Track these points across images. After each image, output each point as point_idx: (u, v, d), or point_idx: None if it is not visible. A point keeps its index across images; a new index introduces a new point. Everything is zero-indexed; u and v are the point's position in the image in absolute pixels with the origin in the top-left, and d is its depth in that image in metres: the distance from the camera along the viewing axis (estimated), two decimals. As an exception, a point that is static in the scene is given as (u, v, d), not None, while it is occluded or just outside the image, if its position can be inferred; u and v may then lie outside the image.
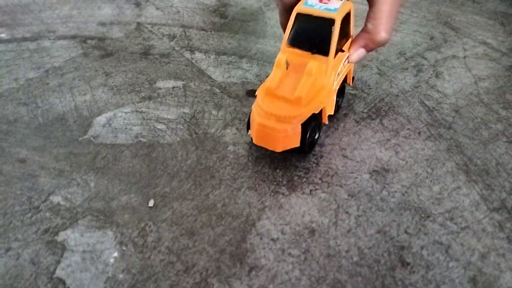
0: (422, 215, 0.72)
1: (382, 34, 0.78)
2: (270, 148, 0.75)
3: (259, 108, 0.74)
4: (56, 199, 0.75)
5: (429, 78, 1.03)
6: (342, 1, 0.78)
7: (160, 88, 1.00)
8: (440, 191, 0.76)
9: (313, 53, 0.77)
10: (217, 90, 0.99)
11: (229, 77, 1.03)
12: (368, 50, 0.82)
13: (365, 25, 0.79)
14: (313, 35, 0.77)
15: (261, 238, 0.68)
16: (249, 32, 1.21)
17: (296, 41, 0.78)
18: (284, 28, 0.85)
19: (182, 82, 1.02)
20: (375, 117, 0.91)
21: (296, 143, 0.75)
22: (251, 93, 0.98)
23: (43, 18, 1.29)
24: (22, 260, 0.66)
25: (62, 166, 0.81)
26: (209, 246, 0.67)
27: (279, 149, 0.75)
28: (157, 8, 1.34)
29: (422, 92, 0.99)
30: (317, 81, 0.75)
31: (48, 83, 1.02)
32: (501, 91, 1.00)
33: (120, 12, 1.32)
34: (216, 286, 0.62)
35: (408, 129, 0.88)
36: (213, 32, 1.21)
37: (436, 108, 0.94)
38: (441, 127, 0.89)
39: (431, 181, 0.77)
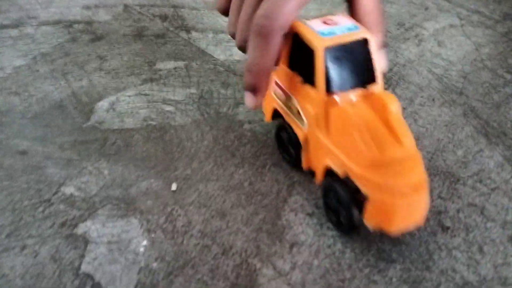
0: (452, 179, 0.71)
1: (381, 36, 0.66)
2: (416, 224, 0.59)
3: (383, 189, 0.55)
4: (68, 190, 0.70)
5: (432, 47, 1.03)
6: (341, 15, 0.64)
7: (161, 70, 0.95)
8: (465, 155, 0.75)
9: (365, 86, 0.61)
10: (221, 69, 0.95)
11: (231, 55, 0.99)
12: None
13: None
14: (351, 67, 0.60)
15: (296, 214, 0.65)
16: (244, 10, 1.17)
17: (340, 84, 0.60)
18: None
19: (183, 62, 0.97)
20: (387, 87, 0.90)
21: None
22: (258, 70, 0.94)
23: (21, 4, 1.20)
24: (41, 258, 0.60)
25: (69, 155, 0.76)
26: (243, 226, 0.64)
27: (424, 218, 0.59)
28: (142, -10, 1.28)
29: (428, 60, 0.98)
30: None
31: (38, 70, 0.95)
32: (503, 56, 1.00)
33: (103, -6, 1.25)
34: (259, 266, 0.59)
35: (421, 96, 0.88)
36: (206, 11, 1.17)
37: (445, 76, 0.94)
38: (453, 93, 0.89)
39: (454, 146, 0.77)
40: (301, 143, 0.66)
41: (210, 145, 0.77)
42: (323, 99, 0.59)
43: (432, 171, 0.72)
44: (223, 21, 1.12)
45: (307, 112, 0.63)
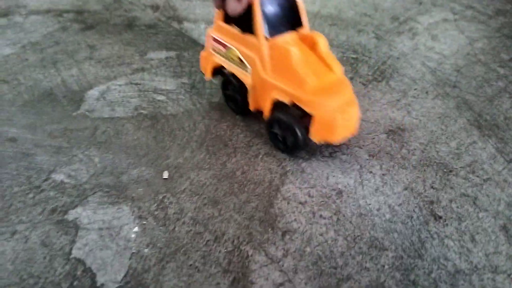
0: (445, 170, 0.71)
1: None
2: (351, 135, 0.71)
3: (326, 107, 0.66)
4: (58, 177, 0.68)
5: (426, 40, 1.03)
6: None
7: (152, 59, 0.94)
8: (457, 147, 0.75)
9: (295, 29, 0.71)
10: (214, 59, 0.94)
11: (224, 46, 0.98)
12: None
13: None
14: (283, 14, 0.70)
15: (288, 203, 0.65)
16: None
17: (276, 29, 0.69)
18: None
19: (175, 52, 0.96)
20: (381, 79, 0.90)
21: None
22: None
23: (10, -8, 1.19)
24: (31, 243, 0.59)
25: (59, 142, 0.74)
26: (236, 213, 0.63)
27: (357, 128, 0.72)
28: (134, -20, 1.27)
29: (421, 54, 0.98)
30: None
31: (27, 59, 0.94)
32: (496, 51, 1.01)
33: (95, -16, 1.23)
34: (251, 253, 0.58)
35: (415, 89, 0.88)
36: (198, 1, 1.16)
37: (438, 69, 0.94)
38: (446, 86, 0.89)
39: (447, 137, 0.77)
40: (248, 87, 0.74)
41: (202, 134, 0.76)
42: (264, 43, 0.68)
43: (425, 162, 0.72)
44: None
45: (250, 58, 0.72)
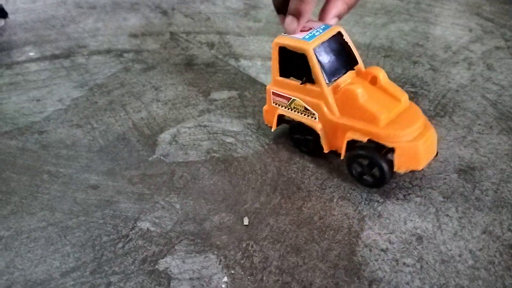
0: (521, 212, 0.71)
1: None
2: (434, 155, 0.74)
3: (406, 138, 0.69)
4: (144, 225, 0.72)
5: (482, 71, 1.03)
6: (310, 22, 0.76)
7: (215, 100, 0.97)
8: (530, 186, 0.75)
9: (353, 68, 0.76)
10: (275, 98, 0.97)
11: (283, 83, 1.01)
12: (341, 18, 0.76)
13: None
14: (338, 57, 0.75)
15: (370, 250, 0.66)
16: (289, 35, 1.19)
17: (334, 72, 0.74)
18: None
19: (237, 92, 0.99)
20: (444, 114, 0.91)
21: None
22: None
23: (69, 32, 1.24)
24: (128, 294, 0.62)
25: (140, 189, 0.78)
26: (319, 262, 0.65)
27: (436, 148, 0.75)
28: (186, 16, 1.31)
29: (479, 85, 0.99)
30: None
31: (96, 102, 0.98)
32: (554, 79, 1.00)
33: (148, 22, 1.28)
34: (341, 303, 0.60)
35: (479, 124, 0.88)
36: (251, 36, 1.19)
37: (499, 101, 0.94)
38: (510, 120, 0.89)
39: (518, 176, 0.77)
40: (319, 133, 0.76)
41: (274, 177, 0.79)
42: (327, 90, 0.72)
43: (499, 202, 0.72)
44: (269, 48, 1.14)
45: (315, 105, 0.75)
